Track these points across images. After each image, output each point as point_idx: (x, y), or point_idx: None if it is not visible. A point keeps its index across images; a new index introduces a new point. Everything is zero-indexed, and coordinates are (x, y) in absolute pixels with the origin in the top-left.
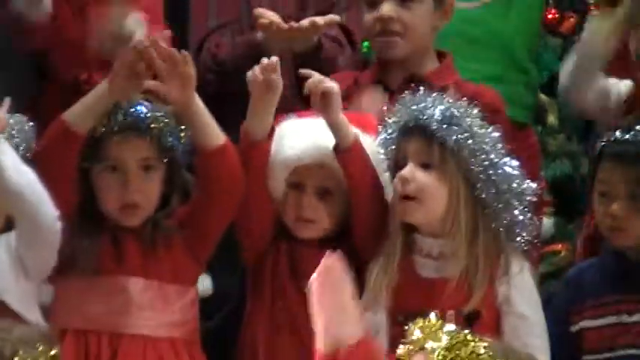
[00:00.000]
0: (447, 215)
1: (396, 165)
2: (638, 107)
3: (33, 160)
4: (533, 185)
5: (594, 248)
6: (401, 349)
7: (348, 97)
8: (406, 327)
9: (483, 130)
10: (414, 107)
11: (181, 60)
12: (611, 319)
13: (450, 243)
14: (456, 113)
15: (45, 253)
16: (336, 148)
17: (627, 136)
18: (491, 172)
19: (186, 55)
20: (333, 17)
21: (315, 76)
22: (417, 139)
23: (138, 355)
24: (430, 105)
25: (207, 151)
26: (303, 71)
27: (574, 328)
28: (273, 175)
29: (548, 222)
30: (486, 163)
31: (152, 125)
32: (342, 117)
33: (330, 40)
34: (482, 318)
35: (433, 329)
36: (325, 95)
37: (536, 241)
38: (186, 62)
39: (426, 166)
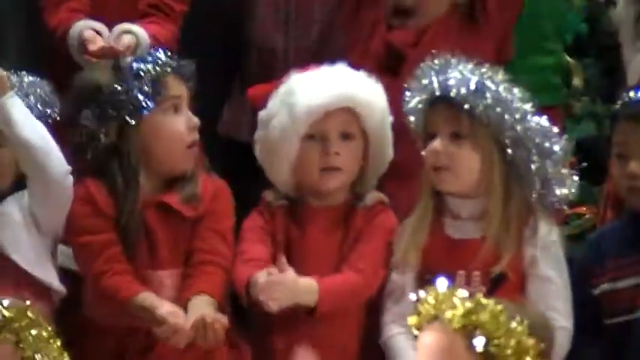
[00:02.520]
0: (481, 180)
1: (426, 134)
2: None
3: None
4: (564, 142)
5: (616, 211)
6: (413, 319)
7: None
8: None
9: (509, 94)
10: (439, 77)
11: None
12: (630, 281)
13: (483, 204)
14: (481, 80)
15: (57, 208)
16: None
17: None
18: (521, 134)
19: None
20: None
21: None
22: (445, 109)
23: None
24: (454, 74)
25: None
26: None
27: (595, 292)
28: (290, 131)
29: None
30: (516, 126)
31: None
32: None
33: None
34: (508, 280)
35: (446, 297)
36: None
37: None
38: None
39: (456, 135)
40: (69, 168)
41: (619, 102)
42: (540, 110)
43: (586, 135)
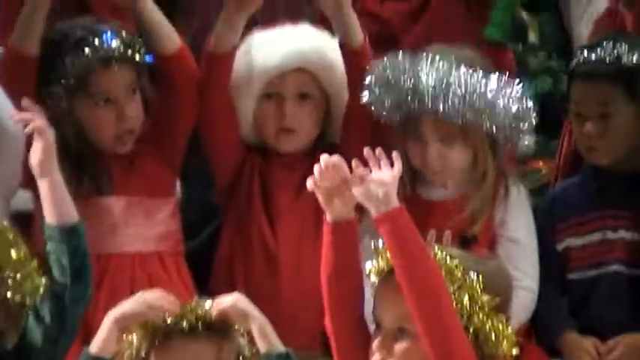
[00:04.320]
0: (470, 167)
1: (406, 130)
2: None
3: None
4: (530, 106)
5: (573, 165)
6: (370, 265)
7: None
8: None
9: (496, 92)
10: (419, 85)
11: None
12: (595, 237)
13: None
14: (468, 88)
15: (9, 165)
16: (345, 46)
17: (594, 56)
18: (506, 122)
19: None
20: None
21: None
22: (432, 117)
23: (126, 273)
24: (430, 77)
25: (163, 55)
26: None
27: (559, 247)
28: (246, 89)
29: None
30: (502, 117)
31: (129, 50)
32: (352, 13)
33: None
34: (479, 241)
35: None
36: None
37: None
38: None
39: (447, 137)
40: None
41: (574, 61)
42: (490, 47)
43: (542, 90)
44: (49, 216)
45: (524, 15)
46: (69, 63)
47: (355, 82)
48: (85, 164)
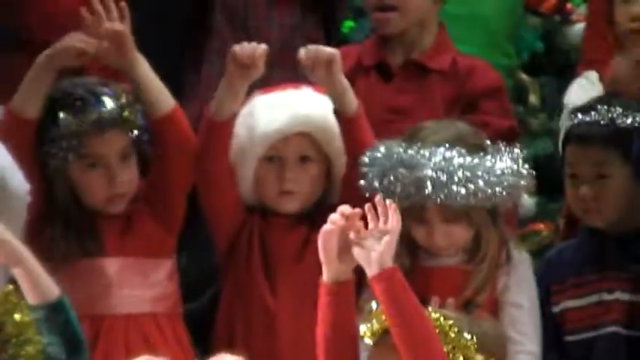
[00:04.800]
0: (475, 238)
1: (409, 213)
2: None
3: None
4: (528, 169)
5: (575, 227)
6: (365, 328)
7: (350, 79)
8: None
9: (485, 169)
10: (414, 178)
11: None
12: (592, 298)
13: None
14: (463, 173)
15: (12, 225)
16: (340, 114)
17: (588, 118)
18: (502, 192)
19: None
20: None
21: (312, 46)
22: (434, 202)
23: (120, 334)
24: (430, 168)
25: (157, 117)
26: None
27: (556, 309)
28: (248, 151)
29: (530, 201)
30: (499, 192)
31: (124, 115)
32: (345, 82)
33: None
34: (480, 307)
35: None
36: (328, 61)
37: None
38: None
39: (451, 219)
40: (28, 186)
41: (569, 122)
42: None
43: (543, 152)
44: (30, 298)
45: (525, 77)
46: (64, 122)
47: (352, 149)
48: (74, 225)
